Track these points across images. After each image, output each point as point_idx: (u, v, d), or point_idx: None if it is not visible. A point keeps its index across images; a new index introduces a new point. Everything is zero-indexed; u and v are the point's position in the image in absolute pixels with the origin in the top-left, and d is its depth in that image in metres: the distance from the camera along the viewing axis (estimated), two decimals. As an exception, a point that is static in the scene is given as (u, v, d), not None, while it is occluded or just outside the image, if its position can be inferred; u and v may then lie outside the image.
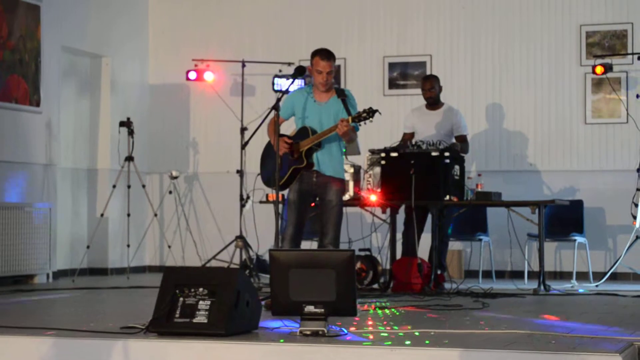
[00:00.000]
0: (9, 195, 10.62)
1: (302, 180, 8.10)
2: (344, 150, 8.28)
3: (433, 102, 10.22)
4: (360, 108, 8.08)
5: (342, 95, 8.09)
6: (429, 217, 9.94)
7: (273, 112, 7.95)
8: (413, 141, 9.95)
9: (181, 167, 12.78)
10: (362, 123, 7.94)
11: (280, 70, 12.03)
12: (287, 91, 8.29)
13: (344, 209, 8.34)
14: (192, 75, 12.30)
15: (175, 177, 12.37)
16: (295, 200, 8.09)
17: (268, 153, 8.32)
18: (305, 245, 9.50)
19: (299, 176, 8.09)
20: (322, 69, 8.05)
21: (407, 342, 5.56)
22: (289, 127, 8.36)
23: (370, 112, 7.83)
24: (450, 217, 10.14)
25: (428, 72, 11.87)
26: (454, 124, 10.14)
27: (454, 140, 10.05)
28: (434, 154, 9.55)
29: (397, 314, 7.39)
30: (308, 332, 5.80)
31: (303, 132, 8.10)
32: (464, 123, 10.24)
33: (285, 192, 8.23)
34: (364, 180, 10.00)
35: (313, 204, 8.34)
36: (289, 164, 8.07)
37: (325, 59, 8.06)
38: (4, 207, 10.38)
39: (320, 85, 8.10)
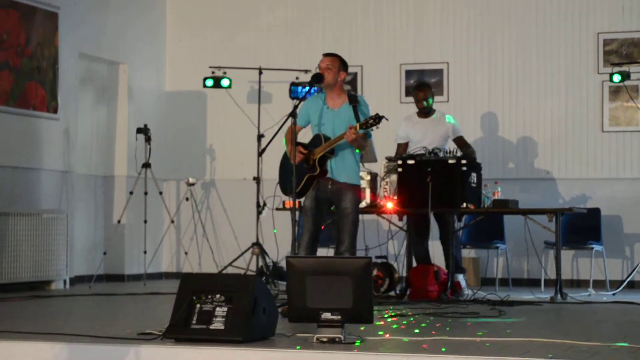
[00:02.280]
0: (26, 201, 10.65)
1: (319, 188, 8.09)
2: (359, 157, 8.24)
3: (427, 112, 10.17)
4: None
5: (354, 101, 8.08)
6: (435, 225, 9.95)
7: (290, 120, 7.96)
8: (422, 150, 9.88)
9: (198, 174, 12.80)
10: (373, 129, 7.93)
11: (297, 78, 12.03)
12: (304, 98, 8.30)
13: (361, 216, 8.32)
14: (209, 82, 12.31)
15: (192, 184, 12.37)
16: (312, 208, 8.07)
17: (285, 162, 8.32)
18: (322, 252, 9.49)
19: (316, 184, 8.09)
20: (319, 64, 8.11)
21: (423, 350, 5.57)
22: (306, 134, 8.36)
23: (377, 119, 7.82)
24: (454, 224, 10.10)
25: (445, 80, 11.85)
26: (448, 129, 10.09)
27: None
28: (450, 161, 9.52)
29: (413, 320, 7.38)
30: (325, 339, 5.81)
31: (316, 140, 8.11)
32: (457, 125, 10.18)
33: (302, 199, 8.22)
34: (380, 188, 9.99)
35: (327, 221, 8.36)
36: (304, 172, 8.07)
37: (324, 56, 8.16)
38: (21, 214, 10.40)
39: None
